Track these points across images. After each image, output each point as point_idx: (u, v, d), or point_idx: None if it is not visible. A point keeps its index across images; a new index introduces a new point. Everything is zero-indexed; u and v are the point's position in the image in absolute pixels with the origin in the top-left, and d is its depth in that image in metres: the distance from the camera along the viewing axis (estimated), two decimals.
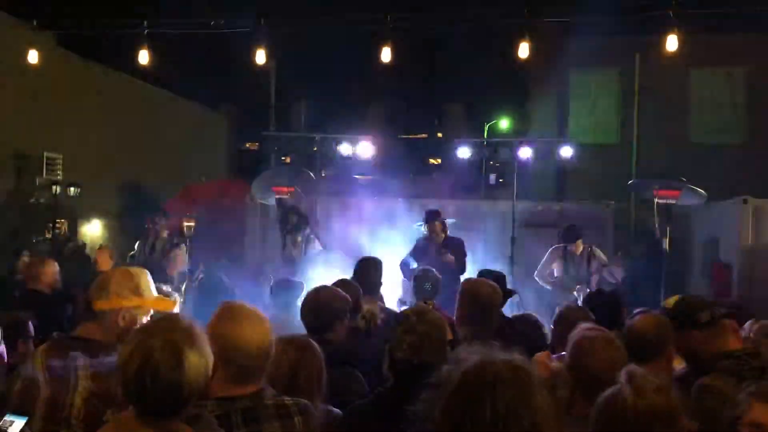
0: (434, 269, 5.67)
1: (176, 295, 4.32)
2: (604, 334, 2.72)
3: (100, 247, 6.81)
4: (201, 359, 2.00)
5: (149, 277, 2.85)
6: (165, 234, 9.21)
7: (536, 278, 8.90)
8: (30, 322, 3.73)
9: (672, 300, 3.49)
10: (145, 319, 2.74)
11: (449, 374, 1.61)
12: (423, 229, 8.81)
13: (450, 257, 7.96)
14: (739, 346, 3.27)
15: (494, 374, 1.54)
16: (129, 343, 1.98)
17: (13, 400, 2.58)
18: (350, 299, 3.84)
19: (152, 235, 9.25)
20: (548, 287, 8.74)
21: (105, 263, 6.86)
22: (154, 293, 2.84)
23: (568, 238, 8.64)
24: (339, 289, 3.88)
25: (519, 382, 1.54)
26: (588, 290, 7.83)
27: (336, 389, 3.08)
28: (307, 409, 2.49)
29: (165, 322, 2.06)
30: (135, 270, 2.84)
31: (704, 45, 15.80)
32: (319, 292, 3.81)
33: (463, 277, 8.06)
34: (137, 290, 2.74)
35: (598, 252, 8.63)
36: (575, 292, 8.27)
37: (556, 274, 8.68)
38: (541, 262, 8.87)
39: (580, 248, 8.59)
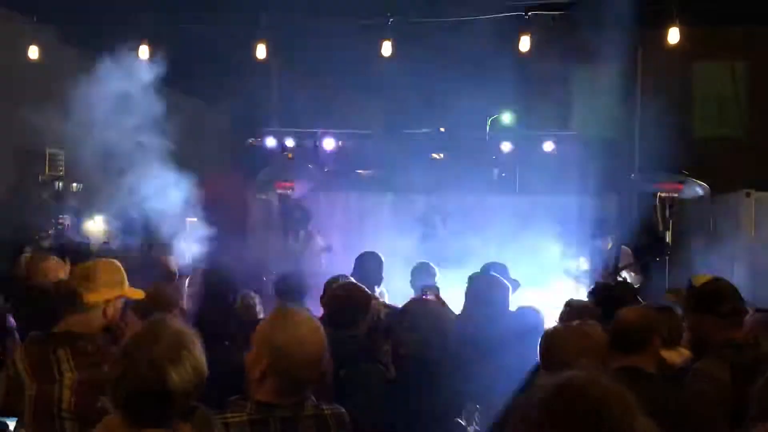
0: (431, 263, 5.72)
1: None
2: (577, 325, 2.73)
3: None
4: (186, 373, 1.99)
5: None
6: None
7: (563, 272, 8.94)
8: (9, 316, 3.70)
9: (702, 278, 3.47)
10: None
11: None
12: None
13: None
14: (742, 336, 3.28)
15: (599, 395, 1.41)
16: (117, 357, 2.00)
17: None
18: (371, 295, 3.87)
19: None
20: (573, 279, 8.78)
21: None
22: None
23: (598, 233, 8.64)
24: (362, 285, 3.91)
25: (623, 405, 1.43)
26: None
27: (359, 384, 3.07)
28: (343, 419, 2.45)
29: (150, 335, 2.04)
30: (115, 261, 2.88)
31: (707, 38, 15.73)
32: (344, 288, 3.82)
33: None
34: (122, 282, 2.81)
35: (627, 251, 8.63)
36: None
37: (583, 269, 8.70)
38: (568, 257, 8.92)
39: (610, 244, 8.59)
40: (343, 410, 2.48)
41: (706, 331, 3.24)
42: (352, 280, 4.27)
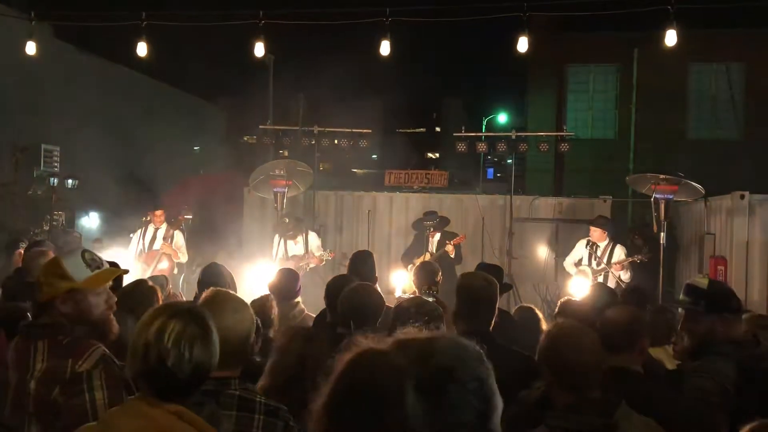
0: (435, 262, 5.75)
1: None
2: (577, 325, 2.75)
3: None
4: (217, 336, 2.06)
5: (84, 256, 2.72)
6: (163, 226, 9.22)
7: (564, 266, 9.20)
8: (28, 314, 3.69)
9: (703, 279, 3.49)
10: (97, 298, 2.67)
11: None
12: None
13: (450, 247, 8.63)
14: (741, 334, 3.31)
15: (371, 368, 1.44)
16: (150, 324, 1.99)
17: None
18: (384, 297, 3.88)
19: (146, 227, 9.29)
20: (572, 274, 9.00)
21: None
22: (87, 271, 2.69)
23: (591, 224, 9.03)
24: (376, 288, 3.91)
25: (393, 379, 1.43)
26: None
27: None
28: (277, 414, 2.42)
29: (176, 304, 2.10)
30: (61, 256, 2.75)
31: (703, 40, 15.79)
32: (358, 289, 3.81)
33: (458, 269, 8.34)
34: (63, 275, 2.65)
35: (618, 250, 8.82)
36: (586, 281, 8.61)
37: (583, 263, 8.96)
38: (572, 252, 9.20)
39: (603, 240, 8.84)
40: (284, 408, 2.45)
41: (716, 331, 3.27)
42: (359, 281, 4.23)
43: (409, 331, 1.50)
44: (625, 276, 8.59)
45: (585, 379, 2.49)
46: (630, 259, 8.63)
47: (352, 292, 3.79)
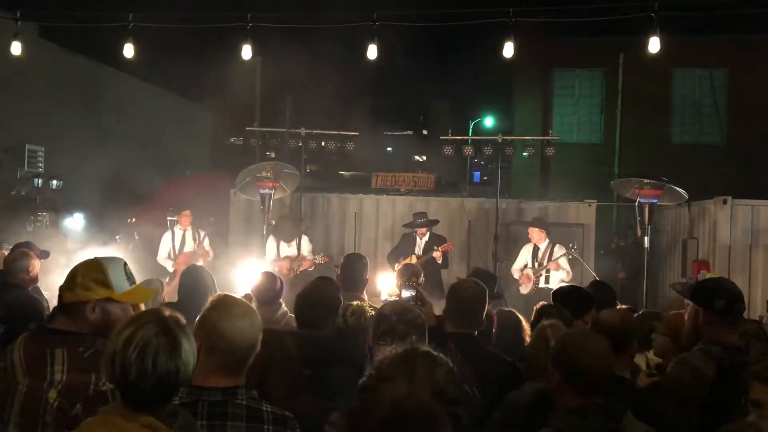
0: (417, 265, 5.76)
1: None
2: (585, 327, 2.77)
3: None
4: (192, 346, 2.02)
5: (125, 268, 2.66)
6: (189, 227, 9.43)
7: (511, 272, 9.35)
8: None
9: (710, 276, 3.61)
10: (123, 312, 2.60)
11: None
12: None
13: (437, 253, 8.58)
14: (734, 340, 3.35)
15: (408, 409, 1.56)
16: (121, 333, 1.95)
17: None
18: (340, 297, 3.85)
19: (173, 228, 9.53)
20: (516, 278, 9.20)
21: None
22: (126, 284, 2.64)
23: (529, 225, 9.32)
24: (333, 287, 3.90)
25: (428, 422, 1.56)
26: (545, 282, 8.73)
27: (326, 390, 3.05)
28: (285, 422, 2.37)
29: (152, 312, 2.04)
30: (104, 260, 2.66)
31: (687, 46, 15.95)
32: (315, 288, 3.80)
33: (445, 274, 8.35)
34: (104, 282, 2.57)
35: (557, 250, 8.98)
36: (529, 283, 8.92)
37: (527, 267, 9.13)
38: (517, 258, 9.38)
39: (543, 241, 9.03)
40: (291, 416, 2.40)
41: (700, 325, 3.32)
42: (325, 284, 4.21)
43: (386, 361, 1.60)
44: (567, 278, 8.77)
45: (595, 383, 2.50)
46: (562, 255, 8.82)
47: (305, 292, 3.80)
